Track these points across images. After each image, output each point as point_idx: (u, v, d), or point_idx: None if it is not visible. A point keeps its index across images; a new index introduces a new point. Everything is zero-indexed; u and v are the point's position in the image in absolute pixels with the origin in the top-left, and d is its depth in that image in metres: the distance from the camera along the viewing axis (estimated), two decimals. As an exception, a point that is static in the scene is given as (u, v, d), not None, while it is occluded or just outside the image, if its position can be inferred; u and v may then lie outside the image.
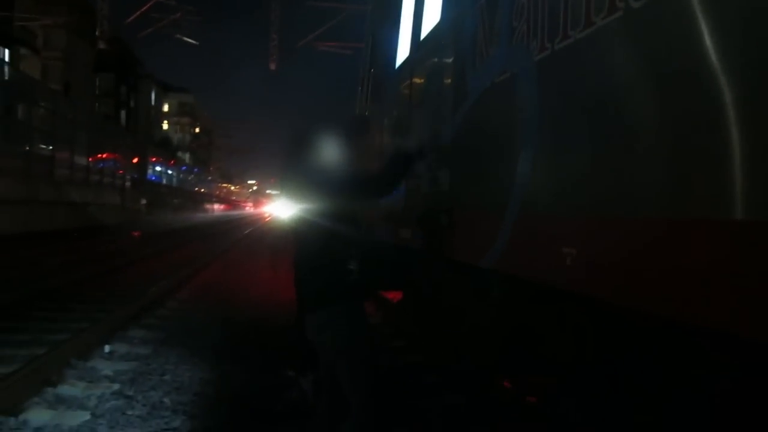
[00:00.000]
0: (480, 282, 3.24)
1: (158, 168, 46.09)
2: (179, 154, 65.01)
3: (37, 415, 3.94)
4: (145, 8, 17.98)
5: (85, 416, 3.94)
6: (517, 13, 2.34)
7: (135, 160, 36.86)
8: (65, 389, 4.45)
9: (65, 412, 4.02)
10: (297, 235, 2.90)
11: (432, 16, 3.75)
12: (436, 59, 3.63)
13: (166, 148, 57.24)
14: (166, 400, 4.34)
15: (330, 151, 2.81)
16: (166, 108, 73.57)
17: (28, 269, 11.02)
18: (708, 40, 1.48)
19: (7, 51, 29.96)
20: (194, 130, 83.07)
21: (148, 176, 41.24)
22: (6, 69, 23.09)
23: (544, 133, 2.23)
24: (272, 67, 16.88)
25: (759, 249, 1.32)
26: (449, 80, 3.31)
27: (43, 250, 14.65)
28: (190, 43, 19.73)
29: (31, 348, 5.49)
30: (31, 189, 19.66)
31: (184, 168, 58.27)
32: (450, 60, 3.28)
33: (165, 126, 72.59)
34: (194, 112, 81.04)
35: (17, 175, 18.97)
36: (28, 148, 20.63)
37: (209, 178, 77.87)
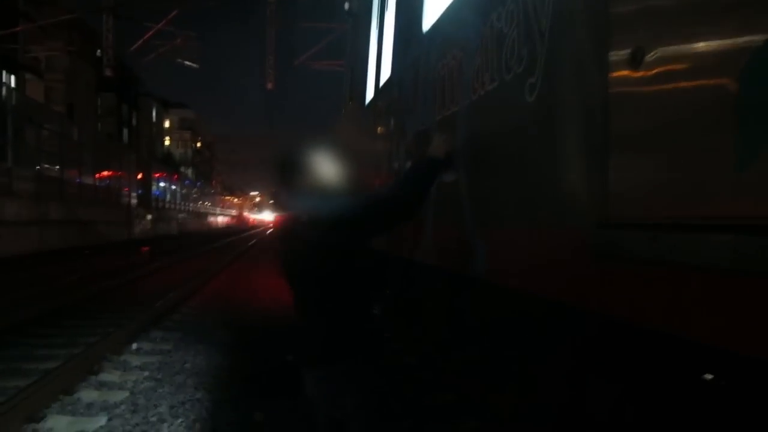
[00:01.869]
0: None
1: (162, 184, 47.16)
2: (182, 169, 66.19)
3: (87, 394, 4.95)
4: (147, 36, 19.07)
5: (126, 394, 4.95)
6: (426, 88, 3.37)
7: (139, 177, 37.98)
8: (105, 376, 5.47)
9: (109, 392, 5.03)
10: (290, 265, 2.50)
11: (387, 70, 4.79)
12: (388, 105, 4.66)
13: (169, 164, 58.39)
14: (189, 381, 5.35)
15: (326, 170, 2.37)
16: (167, 124, 74.77)
17: (50, 285, 12.02)
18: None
19: (13, 77, 31.08)
20: (196, 144, 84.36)
21: (153, 192, 42.32)
22: (13, 95, 24.18)
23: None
24: (269, 86, 17.90)
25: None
26: (395, 123, 4.34)
27: (59, 268, 15.64)
28: (191, 66, 20.85)
29: (69, 349, 6.48)
30: (42, 210, 20.64)
31: (187, 182, 59.39)
32: (395, 108, 4.31)
33: (167, 142, 73.79)
34: (195, 128, 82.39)
35: (29, 197, 19.98)
36: (37, 169, 21.64)
37: (212, 191, 79.10)
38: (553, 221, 2.06)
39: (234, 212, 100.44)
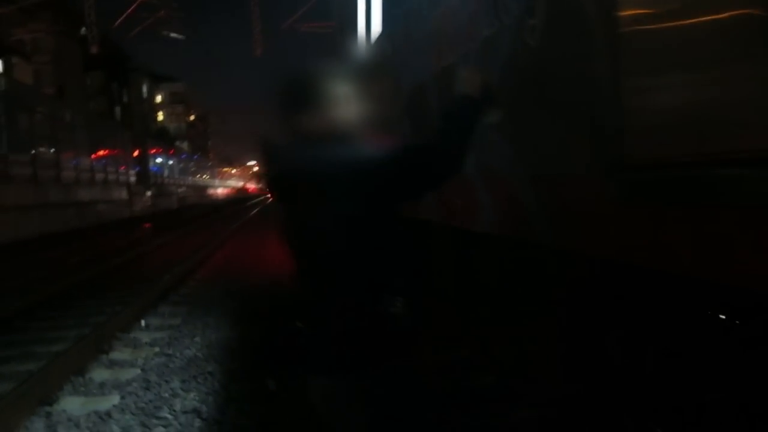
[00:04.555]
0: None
1: (159, 159, 46.86)
2: (177, 143, 65.70)
3: (99, 374, 4.94)
4: (130, 10, 18.70)
5: (137, 371, 4.94)
6: (421, 42, 3.25)
7: (135, 154, 37.74)
8: (116, 355, 5.46)
9: (120, 370, 5.02)
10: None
11: (377, 26, 4.65)
12: (381, 64, 4.54)
13: (164, 139, 57.95)
14: (199, 354, 5.34)
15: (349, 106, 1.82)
16: (159, 99, 74.04)
17: (54, 268, 12.01)
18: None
19: (0, 62, 30.66)
20: (189, 117, 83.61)
21: (151, 168, 42.07)
22: (2, 80, 23.87)
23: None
24: (257, 52, 17.61)
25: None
26: (388, 81, 4.23)
27: (62, 251, 15.64)
28: (177, 38, 20.50)
29: (79, 329, 6.47)
30: (41, 193, 20.57)
31: (183, 156, 58.98)
32: (388, 65, 4.19)
33: (160, 117, 73.18)
34: (187, 100, 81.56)
35: (27, 182, 19.88)
36: (33, 154, 21.47)
37: (209, 163, 78.68)
38: (565, 168, 1.99)
39: (233, 183, 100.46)
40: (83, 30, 17.67)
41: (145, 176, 38.19)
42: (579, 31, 1.82)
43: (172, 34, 20.00)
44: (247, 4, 17.11)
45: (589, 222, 1.86)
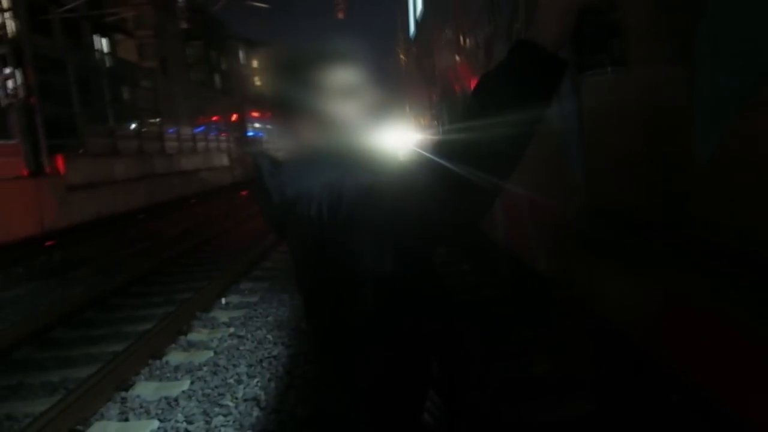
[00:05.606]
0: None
1: (257, 124, 48.24)
2: (275, 106, 67.08)
3: (175, 356, 5.19)
4: (216, -19, 19.11)
5: (210, 354, 5.14)
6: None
7: (234, 119, 39.04)
8: (194, 336, 5.71)
9: (195, 352, 5.25)
10: None
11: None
12: (425, 40, 4.34)
13: (261, 103, 59.48)
14: (269, 336, 5.48)
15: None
16: (255, 64, 75.81)
17: (155, 240, 12.72)
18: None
19: (104, 40, 32.25)
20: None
21: (249, 133, 43.43)
22: (106, 58, 25.18)
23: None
24: (340, 16, 17.54)
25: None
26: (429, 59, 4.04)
27: (164, 222, 16.52)
28: (261, 6, 20.78)
29: (165, 307, 6.80)
30: (147, 165, 21.73)
31: (281, 119, 60.33)
32: (428, 44, 4.01)
33: (257, 82, 75.04)
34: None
35: (133, 155, 21.04)
36: (137, 127, 22.62)
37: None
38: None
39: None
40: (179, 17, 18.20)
41: (244, 141, 39.52)
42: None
43: (256, 3, 20.27)
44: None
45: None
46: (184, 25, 18.11)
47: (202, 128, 30.21)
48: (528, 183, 2.13)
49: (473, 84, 2.46)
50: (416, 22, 4.82)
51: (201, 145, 29.56)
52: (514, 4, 1.86)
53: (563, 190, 1.92)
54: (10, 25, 16.93)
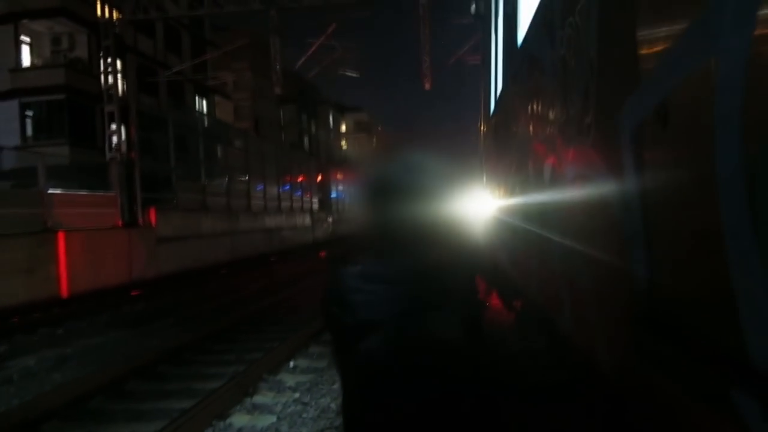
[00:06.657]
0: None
1: (340, 187, 49.40)
2: (360, 169, 68.64)
3: (239, 418, 5.20)
4: (310, 52, 20.09)
5: (273, 419, 5.13)
6: (522, 105, 3.05)
7: (318, 180, 40.10)
8: (259, 398, 5.72)
9: (258, 416, 5.25)
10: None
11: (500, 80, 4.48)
12: (504, 119, 4.35)
13: (346, 166, 61.03)
14: (333, 405, 5.42)
15: None
16: (343, 128, 78.19)
17: (235, 296, 13.01)
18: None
19: (204, 101, 34.32)
20: (371, 145, 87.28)
21: (332, 194, 44.45)
22: (204, 118, 26.66)
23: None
24: (426, 86, 17.96)
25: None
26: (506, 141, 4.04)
27: (244, 277, 16.93)
28: (352, 75, 21.62)
29: (235, 366, 6.88)
30: (233, 222, 22.51)
31: (365, 182, 61.55)
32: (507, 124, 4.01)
33: (344, 145, 77.17)
34: (370, 128, 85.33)
35: (221, 211, 21.87)
36: (227, 185, 23.59)
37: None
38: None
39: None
40: (274, 84, 19.27)
41: (326, 203, 40.43)
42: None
43: (348, 73, 21.10)
44: (416, 40, 17.55)
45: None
46: (278, 91, 18.96)
47: (287, 187, 31.09)
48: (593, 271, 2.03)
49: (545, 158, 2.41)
50: (496, 100, 4.87)
51: (285, 204, 30.42)
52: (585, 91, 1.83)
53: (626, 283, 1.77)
54: (120, 86, 18.30)
